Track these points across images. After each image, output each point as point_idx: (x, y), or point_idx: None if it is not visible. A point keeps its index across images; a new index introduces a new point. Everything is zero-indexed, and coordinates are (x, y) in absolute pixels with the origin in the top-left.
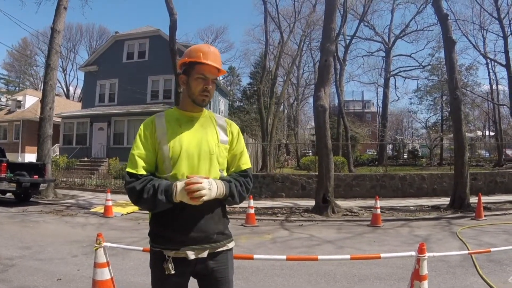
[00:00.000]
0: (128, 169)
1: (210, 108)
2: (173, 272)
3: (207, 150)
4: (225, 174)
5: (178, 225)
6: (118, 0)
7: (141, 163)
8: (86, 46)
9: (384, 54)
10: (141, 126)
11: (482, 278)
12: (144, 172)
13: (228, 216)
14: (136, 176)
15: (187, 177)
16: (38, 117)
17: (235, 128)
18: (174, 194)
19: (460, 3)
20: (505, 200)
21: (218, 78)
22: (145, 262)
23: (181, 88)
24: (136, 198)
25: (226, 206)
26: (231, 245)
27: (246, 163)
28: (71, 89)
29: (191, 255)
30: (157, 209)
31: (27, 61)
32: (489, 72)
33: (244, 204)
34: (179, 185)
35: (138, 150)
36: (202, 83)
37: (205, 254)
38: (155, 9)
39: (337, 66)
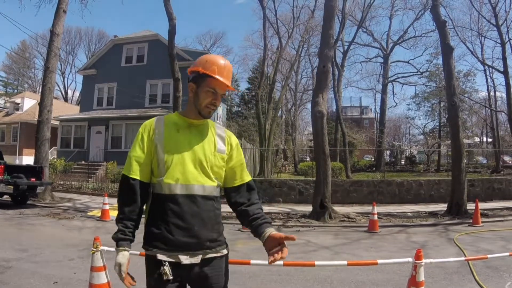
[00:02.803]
0: (123, 172)
1: None
2: (171, 277)
3: (202, 158)
4: (221, 183)
5: (172, 229)
6: (117, 4)
7: (136, 166)
8: (85, 49)
9: (382, 60)
10: (140, 128)
11: (479, 285)
12: (137, 177)
13: (226, 222)
14: (128, 180)
15: None
16: (36, 119)
17: (235, 139)
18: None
19: (458, 10)
20: (503, 206)
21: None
22: (142, 267)
23: (179, 93)
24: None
25: (221, 211)
26: (225, 251)
27: (248, 175)
28: (70, 92)
29: (184, 259)
30: None
31: (26, 63)
32: (486, 79)
33: None
34: (117, 260)
35: (135, 152)
36: (212, 96)
37: (198, 259)
38: (154, 13)
39: (335, 72)
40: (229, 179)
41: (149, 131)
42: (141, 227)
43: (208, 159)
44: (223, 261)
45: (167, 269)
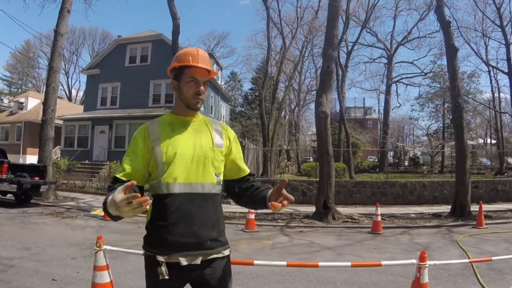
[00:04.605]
0: (115, 174)
1: (211, 113)
2: (167, 277)
3: (201, 154)
4: (221, 178)
5: (171, 230)
6: (121, 4)
7: (127, 169)
8: (88, 49)
9: (386, 61)
10: (135, 133)
11: (483, 287)
12: (124, 178)
13: (228, 222)
14: (117, 180)
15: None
16: (40, 119)
17: (232, 132)
18: (107, 206)
19: (462, 10)
20: (506, 208)
21: (209, 81)
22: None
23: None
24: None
25: (223, 211)
26: (226, 252)
27: (245, 165)
28: (73, 91)
29: (183, 261)
30: (114, 219)
31: (30, 63)
32: (491, 80)
33: (243, 209)
34: (109, 199)
35: (128, 156)
36: (194, 86)
37: (198, 261)
38: (158, 13)
39: (339, 73)
40: (233, 171)
41: (144, 136)
42: (143, 227)
43: (207, 155)
44: (224, 262)
45: (163, 269)
